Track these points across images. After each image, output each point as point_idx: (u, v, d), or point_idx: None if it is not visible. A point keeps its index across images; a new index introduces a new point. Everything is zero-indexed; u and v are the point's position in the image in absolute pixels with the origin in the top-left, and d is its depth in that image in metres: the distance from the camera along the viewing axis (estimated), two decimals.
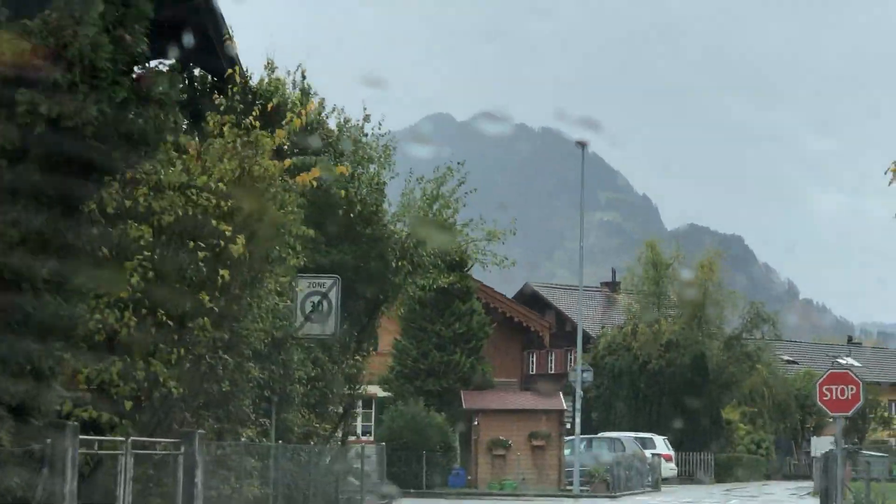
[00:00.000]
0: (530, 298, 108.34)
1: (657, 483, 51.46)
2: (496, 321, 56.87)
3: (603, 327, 78.41)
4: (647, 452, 55.29)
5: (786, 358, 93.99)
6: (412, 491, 44.05)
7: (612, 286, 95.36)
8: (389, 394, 51.57)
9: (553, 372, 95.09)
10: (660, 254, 75.35)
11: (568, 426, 54.69)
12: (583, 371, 49.72)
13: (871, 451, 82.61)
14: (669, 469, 58.87)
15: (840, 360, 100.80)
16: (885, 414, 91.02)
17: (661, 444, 59.64)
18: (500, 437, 48.26)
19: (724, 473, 68.71)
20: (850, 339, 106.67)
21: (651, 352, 72.04)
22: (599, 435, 56.98)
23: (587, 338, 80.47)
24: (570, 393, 72.51)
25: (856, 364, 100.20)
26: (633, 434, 58.43)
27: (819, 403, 29.77)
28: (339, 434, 30.62)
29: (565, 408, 49.72)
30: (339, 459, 28.22)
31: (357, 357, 29.61)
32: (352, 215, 28.80)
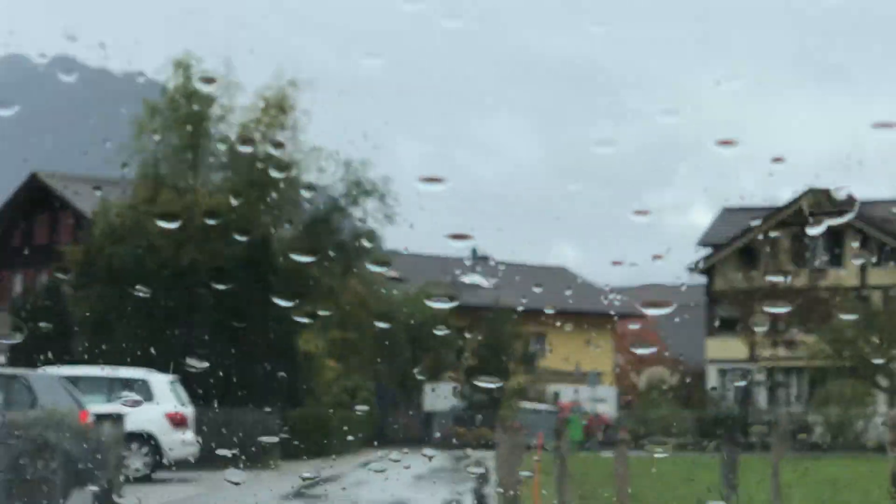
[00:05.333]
0: (39, 196, 77.28)
1: (115, 483, 20.34)
2: None
3: (104, 200, 47.35)
4: (118, 407, 25.55)
5: (391, 274, 65.12)
6: None
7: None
8: None
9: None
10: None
11: None
12: None
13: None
14: (184, 443, 29.03)
15: (464, 279, 74.79)
16: (528, 350, 65.19)
17: (166, 394, 29.48)
18: None
19: (299, 442, 39.67)
20: (475, 253, 79.63)
21: (181, 238, 42.53)
22: None
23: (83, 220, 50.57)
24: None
25: (484, 284, 74.17)
26: (89, 370, 28.36)
27: None
28: None
29: None
30: None
31: None
32: None
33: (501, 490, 25.32)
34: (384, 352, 55.42)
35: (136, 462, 27.57)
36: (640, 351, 65.79)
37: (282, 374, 41.52)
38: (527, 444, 27.10)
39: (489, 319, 61.07)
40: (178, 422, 29.06)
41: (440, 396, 61.01)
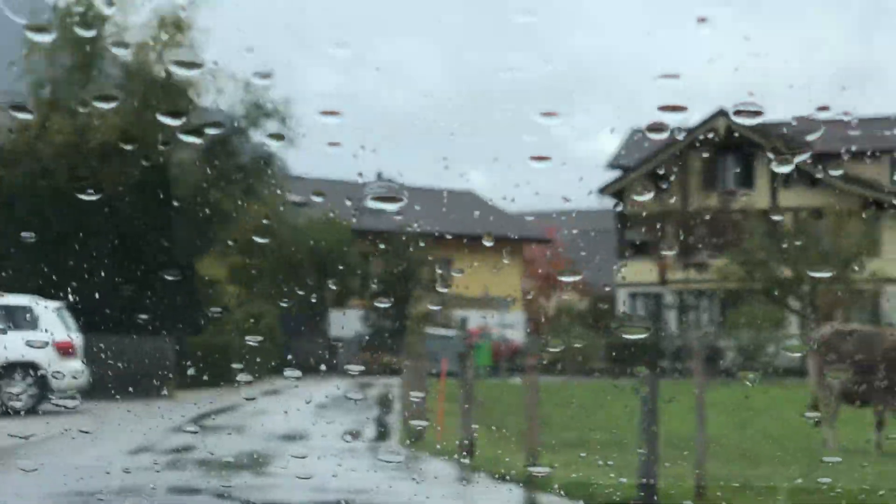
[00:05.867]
0: None
1: None
2: None
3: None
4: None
5: (295, 199, 63.75)
6: None
7: None
8: None
9: None
10: None
11: None
12: None
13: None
14: (73, 373, 27.76)
15: (369, 203, 73.67)
16: (438, 273, 64.24)
17: (53, 321, 28.17)
18: None
19: (204, 371, 38.16)
20: (379, 175, 78.41)
21: (75, 161, 41.26)
22: None
23: None
24: None
25: (389, 208, 73.15)
26: None
27: None
28: None
29: None
30: None
31: None
32: None
33: (406, 418, 24.40)
34: (291, 278, 54.24)
35: (21, 393, 26.28)
36: (566, 279, 65.04)
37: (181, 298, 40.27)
38: (431, 370, 26.27)
39: (395, 244, 60.05)
40: (65, 350, 27.73)
41: (346, 323, 60.04)
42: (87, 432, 20.41)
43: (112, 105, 41.78)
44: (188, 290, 41.95)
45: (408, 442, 21.62)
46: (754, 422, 24.83)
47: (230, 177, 44.99)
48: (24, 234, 35.80)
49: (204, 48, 44.87)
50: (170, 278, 39.22)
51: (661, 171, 60.24)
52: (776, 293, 53.48)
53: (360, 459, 18.93)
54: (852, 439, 20.84)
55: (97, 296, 37.04)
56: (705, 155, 59.01)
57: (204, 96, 44.74)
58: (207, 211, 43.63)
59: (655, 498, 13.31)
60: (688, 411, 16.71)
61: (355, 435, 23.04)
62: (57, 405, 25.80)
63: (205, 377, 36.71)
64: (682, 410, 19.34)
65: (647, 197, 60.32)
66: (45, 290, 32.82)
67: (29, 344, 26.27)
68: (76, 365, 27.97)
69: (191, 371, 36.10)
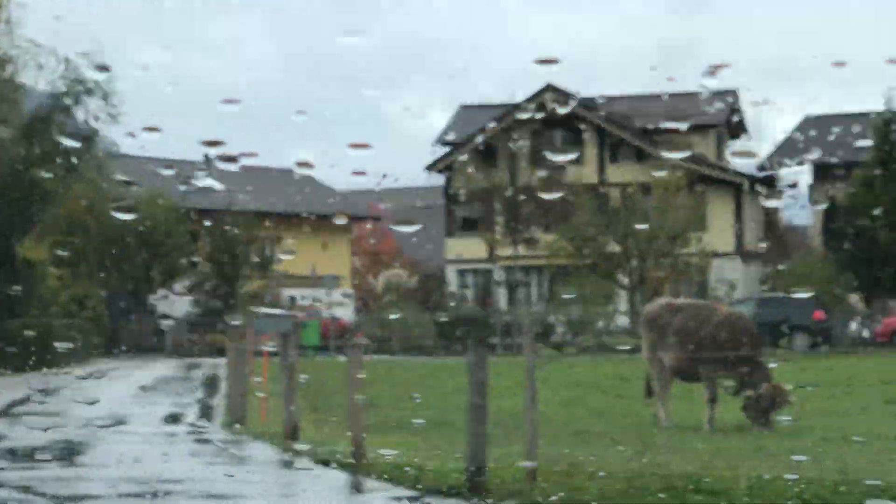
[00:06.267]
0: None
1: None
2: None
3: None
4: None
5: (121, 177, 62.02)
6: None
7: None
8: None
9: None
10: None
11: None
12: None
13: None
14: None
15: (196, 182, 71.99)
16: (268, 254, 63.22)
17: None
18: None
19: (23, 354, 36.74)
20: (206, 157, 76.73)
21: None
22: None
23: None
24: None
25: (217, 186, 71.72)
26: None
27: None
28: None
29: None
30: None
31: None
32: None
33: (229, 400, 23.70)
34: (114, 258, 52.90)
35: None
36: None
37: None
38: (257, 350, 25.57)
39: (223, 223, 58.88)
40: None
41: (174, 303, 58.76)
42: None
43: None
44: (8, 272, 40.51)
45: (230, 424, 20.98)
46: (584, 398, 24.67)
47: (52, 155, 43.52)
48: None
49: (22, 23, 43.39)
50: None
51: (489, 147, 60.09)
52: (605, 268, 53.67)
53: (179, 444, 18.23)
54: (685, 415, 20.70)
55: None
56: (533, 130, 58.93)
57: (23, 72, 43.26)
58: (28, 190, 42.23)
59: (486, 481, 12.89)
60: (517, 388, 16.37)
61: (176, 418, 22.28)
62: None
63: (27, 361, 35.49)
64: (511, 387, 19.02)
65: (474, 173, 60.42)
66: None
67: None
68: None
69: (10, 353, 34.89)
